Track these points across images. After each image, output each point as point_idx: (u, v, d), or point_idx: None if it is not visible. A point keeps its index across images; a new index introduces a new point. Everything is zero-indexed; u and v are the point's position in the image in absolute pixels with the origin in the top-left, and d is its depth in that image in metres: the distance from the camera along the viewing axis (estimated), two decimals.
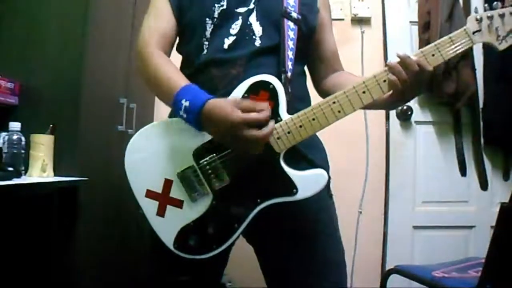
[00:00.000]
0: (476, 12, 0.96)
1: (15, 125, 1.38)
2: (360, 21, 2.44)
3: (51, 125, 1.44)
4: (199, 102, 0.92)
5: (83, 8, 1.52)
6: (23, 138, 1.38)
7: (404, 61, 0.93)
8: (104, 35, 1.67)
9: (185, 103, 0.93)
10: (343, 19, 2.41)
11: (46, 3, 1.56)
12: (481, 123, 2.33)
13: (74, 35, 1.52)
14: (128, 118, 1.85)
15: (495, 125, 2.27)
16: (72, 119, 1.49)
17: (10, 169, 1.25)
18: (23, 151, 1.38)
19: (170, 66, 1.04)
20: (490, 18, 0.94)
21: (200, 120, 0.93)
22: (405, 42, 2.39)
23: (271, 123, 0.92)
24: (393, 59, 0.95)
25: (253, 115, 0.89)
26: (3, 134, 1.38)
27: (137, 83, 1.94)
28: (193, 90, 0.96)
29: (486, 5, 0.97)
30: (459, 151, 2.36)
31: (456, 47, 0.94)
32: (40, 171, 1.39)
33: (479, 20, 0.95)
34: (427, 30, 2.25)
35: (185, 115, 0.95)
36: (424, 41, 2.26)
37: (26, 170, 1.40)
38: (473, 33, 0.95)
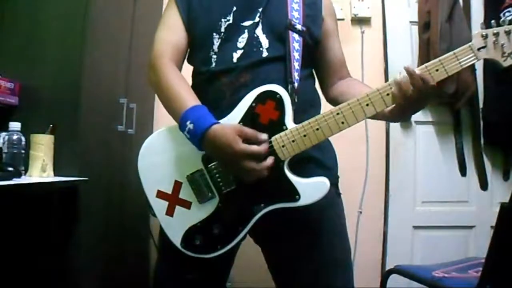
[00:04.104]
0: (482, 28, 0.95)
1: (15, 125, 1.38)
2: (360, 21, 2.45)
3: (51, 125, 1.44)
4: (202, 127, 0.96)
5: (83, 8, 1.52)
6: (23, 138, 1.38)
7: (408, 75, 0.93)
8: (104, 35, 1.66)
9: (190, 125, 0.97)
10: (343, 19, 2.40)
11: (46, 3, 1.55)
12: (481, 123, 2.33)
13: (74, 35, 1.51)
14: (128, 118, 1.84)
15: (494, 125, 2.27)
16: (72, 119, 1.48)
17: (10, 169, 1.25)
18: (23, 151, 1.38)
19: (181, 83, 1.06)
20: (496, 35, 0.93)
21: (202, 143, 0.97)
22: (405, 42, 2.40)
23: (270, 159, 0.96)
24: (397, 72, 0.95)
25: (254, 148, 0.94)
26: (3, 134, 1.38)
27: (137, 83, 1.94)
28: (199, 112, 0.99)
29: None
30: (459, 151, 2.36)
31: (460, 62, 0.94)
32: (40, 171, 1.39)
33: (485, 37, 0.94)
34: (427, 30, 2.26)
35: (188, 136, 0.99)
36: (424, 41, 2.26)
37: (26, 170, 1.40)
38: (478, 49, 0.94)
